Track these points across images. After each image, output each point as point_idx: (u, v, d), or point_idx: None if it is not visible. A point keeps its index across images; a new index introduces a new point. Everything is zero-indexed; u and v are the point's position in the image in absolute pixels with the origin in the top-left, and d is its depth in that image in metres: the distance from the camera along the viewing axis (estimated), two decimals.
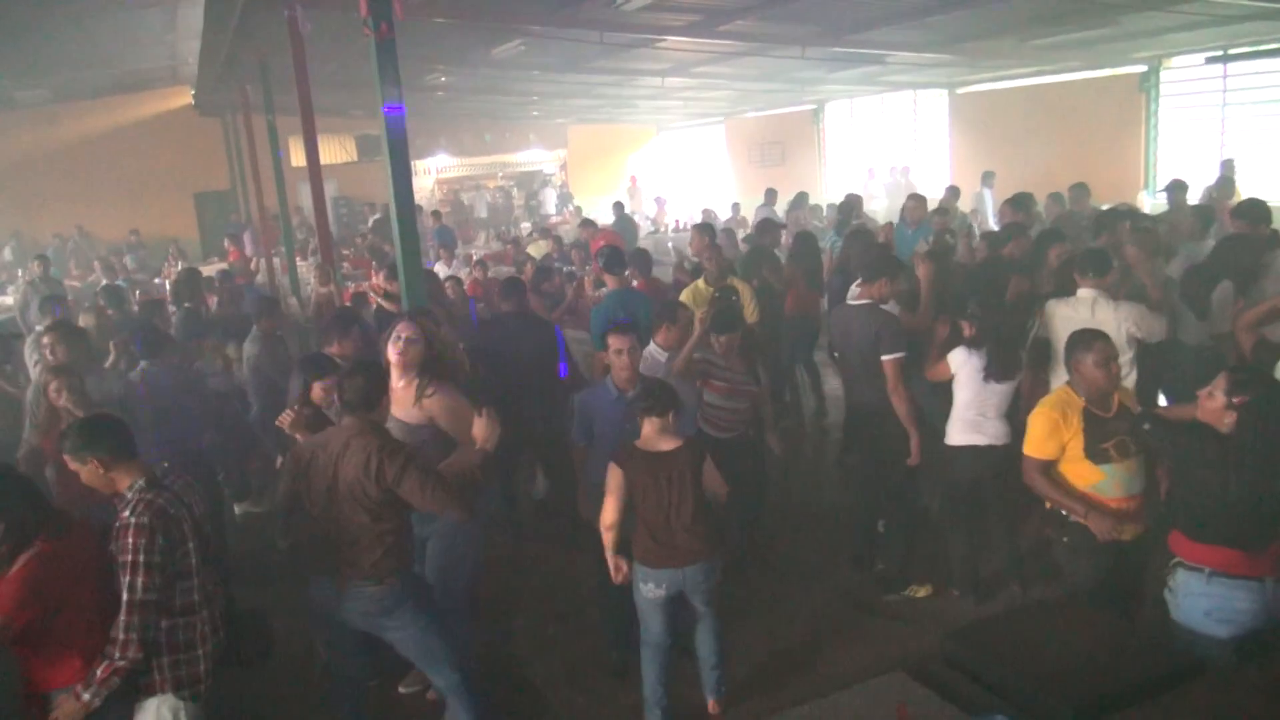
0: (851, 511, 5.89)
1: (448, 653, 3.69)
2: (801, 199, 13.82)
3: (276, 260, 14.85)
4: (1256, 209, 6.40)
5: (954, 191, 12.12)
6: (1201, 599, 3.25)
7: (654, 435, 3.97)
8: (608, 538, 4.03)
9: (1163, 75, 14.11)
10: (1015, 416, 4.84)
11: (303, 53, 9.27)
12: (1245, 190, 10.10)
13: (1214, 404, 3.29)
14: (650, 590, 3.99)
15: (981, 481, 5.01)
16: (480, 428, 3.70)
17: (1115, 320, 4.91)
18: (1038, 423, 3.89)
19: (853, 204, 10.87)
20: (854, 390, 5.50)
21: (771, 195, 15.01)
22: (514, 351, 6.07)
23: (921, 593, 5.28)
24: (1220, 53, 13.06)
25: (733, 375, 5.15)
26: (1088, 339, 3.88)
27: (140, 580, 3.00)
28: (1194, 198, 9.72)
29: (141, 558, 2.99)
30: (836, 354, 5.75)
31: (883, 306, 5.26)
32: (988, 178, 13.68)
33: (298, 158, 14.33)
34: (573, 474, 4.91)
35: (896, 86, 17.93)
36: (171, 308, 8.80)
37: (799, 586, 5.46)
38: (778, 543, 5.97)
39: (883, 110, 19.80)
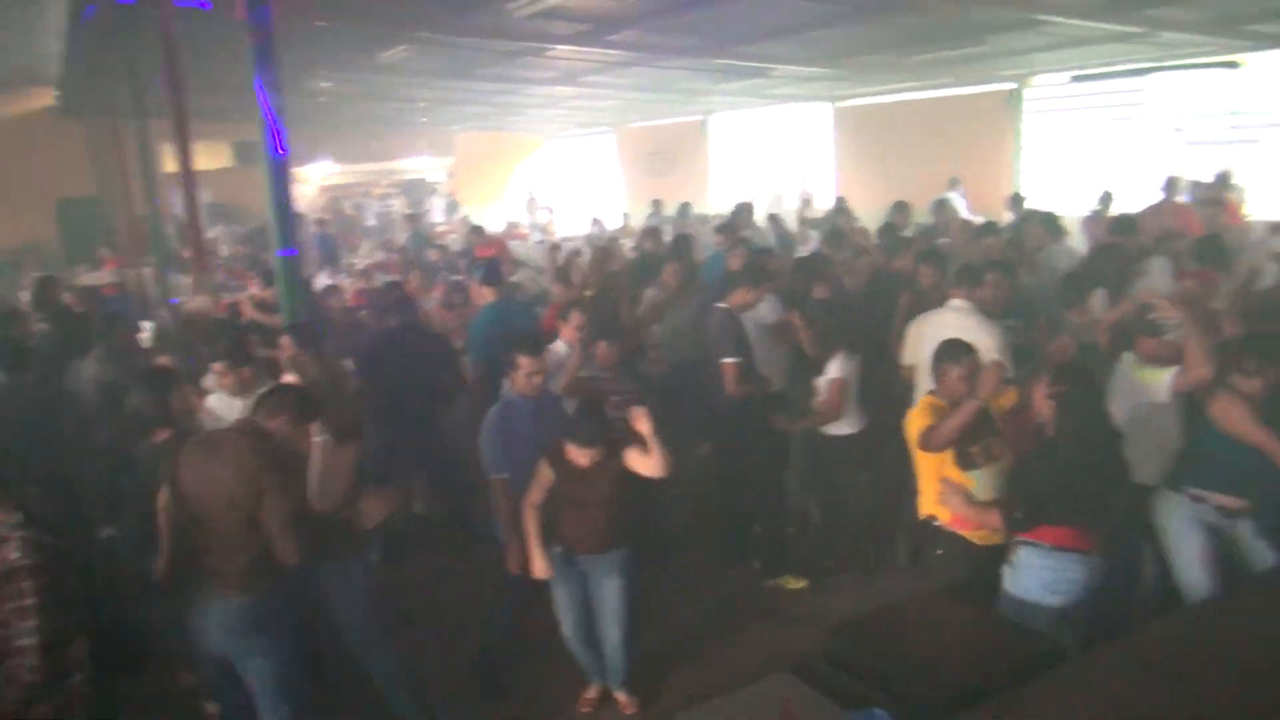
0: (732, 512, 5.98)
1: (295, 701, 3.51)
2: (685, 209, 13.95)
3: (147, 270, 14.20)
4: (1125, 223, 6.90)
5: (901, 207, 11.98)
6: (1040, 570, 3.52)
7: (574, 452, 4.02)
8: (530, 523, 4.13)
9: (1027, 93, 14.85)
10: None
11: (175, 54, 8.92)
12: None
13: (1038, 397, 3.58)
14: (557, 562, 4.15)
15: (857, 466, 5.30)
16: (373, 505, 3.58)
17: (983, 332, 5.09)
18: (913, 418, 4.06)
19: (743, 212, 11.06)
20: (712, 391, 5.61)
21: (658, 206, 15.18)
22: (402, 366, 5.96)
23: (795, 584, 5.43)
24: (1080, 73, 13.82)
25: (619, 386, 5.15)
26: (955, 351, 4.03)
27: (44, 622, 2.82)
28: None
29: (42, 599, 2.81)
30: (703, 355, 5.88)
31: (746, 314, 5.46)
32: (954, 183, 13.79)
33: (170, 163, 13.78)
34: (461, 489, 4.82)
35: (782, 99, 18.35)
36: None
37: (689, 588, 5.51)
38: (669, 545, 6.02)
39: (768, 122, 20.23)
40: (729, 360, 5.28)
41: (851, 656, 3.06)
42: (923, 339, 5.29)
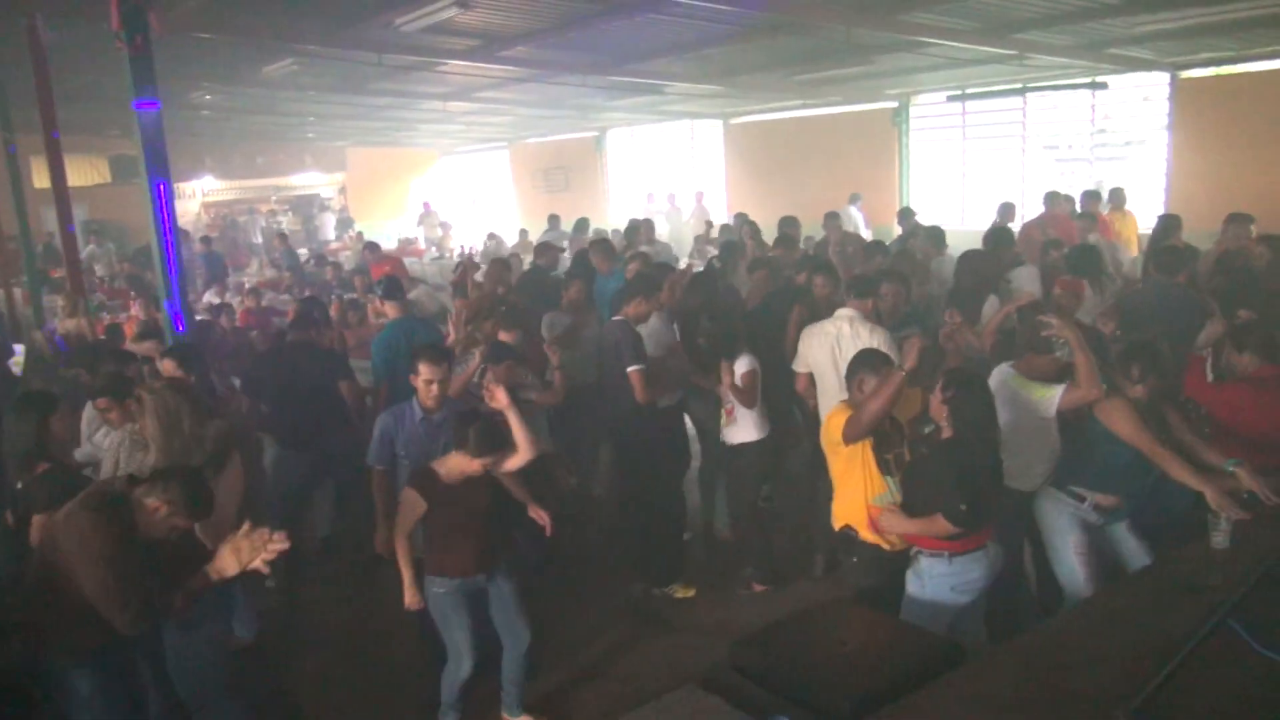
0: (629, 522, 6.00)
1: None
2: (583, 224, 13.92)
3: (18, 291, 13.46)
4: (997, 234, 7.25)
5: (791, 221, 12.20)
6: (947, 578, 3.63)
7: (462, 463, 3.95)
8: (402, 552, 4.05)
9: (911, 111, 15.42)
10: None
11: (45, 65, 8.51)
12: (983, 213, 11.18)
13: (935, 401, 3.71)
14: (445, 598, 4.04)
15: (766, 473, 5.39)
16: (228, 556, 3.23)
17: (872, 341, 5.20)
18: (830, 422, 4.06)
19: (638, 228, 11.13)
20: (610, 401, 5.65)
21: (555, 221, 15.15)
22: (299, 383, 5.81)
23: (684, 593, 5.49)
24: (959, 92, 14.42)
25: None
26: (873, 361, 4.12)
27: None
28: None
29: None
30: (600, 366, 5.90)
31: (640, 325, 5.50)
32: (855, 198, 13.98)
33: (41, 179, 13.13)
34: (365, 511, 4.71)
35: (675, 115, 18.59)
36: None
37: (588, 602, 5.51)
38: (568, 560, 5.99)
39: (662, 138, 20.47)
40: (635, 369, 5.32)
41: (758, 666, 3.10)
42: (814, 348, 5.42)
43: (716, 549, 6.00)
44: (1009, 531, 4.11)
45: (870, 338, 5.15)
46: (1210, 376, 4.83)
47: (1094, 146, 13.79)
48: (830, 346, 5.30)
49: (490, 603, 4.17)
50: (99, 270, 15.61)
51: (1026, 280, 6.55)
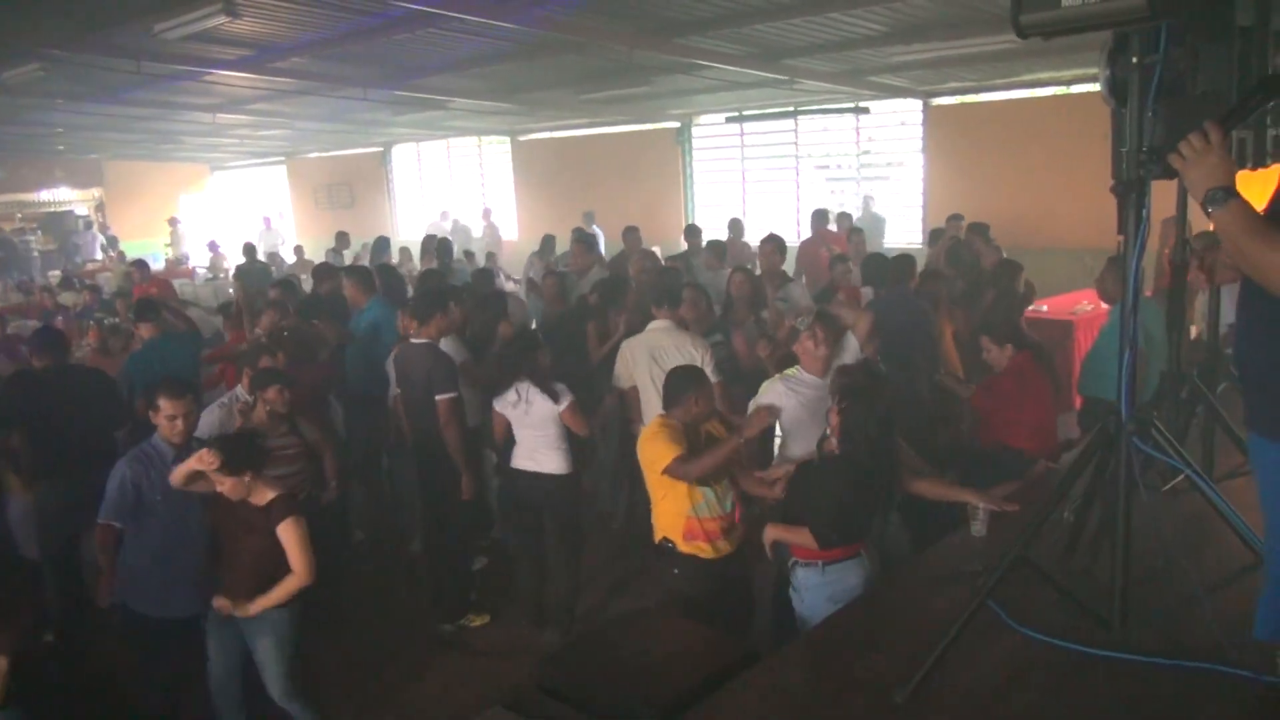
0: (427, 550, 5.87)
1: None
2: (382, 244, 13.39)
3: None
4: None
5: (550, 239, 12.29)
6: (823, 587, 3.59)
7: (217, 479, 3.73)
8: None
9: (694, 131, 15.99)
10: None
11: None
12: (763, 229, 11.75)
13: (832, 415, 3.72)
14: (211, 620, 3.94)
15: (541, 508, 5.16)
16: None
17: (695, 346, 5.39)
18: (659, 436, 4.01)
19: (441, 244, 10.99)
20: (411, 426, 5.48)
21: (343, 239, 14.60)
22: (71, 410, 5.28)
23: (477, 621, 5.40)
24: (737, 114, 15.10)
25: (276, 440, 4.75)
26: (699, 377, 4.20)
27: None
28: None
29: None
30: (395, 388, 5.72)
31: (440, 344, 5.35)
32: (590, 217, 14.17)
33: None
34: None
35: (461, 132, 18.40)
36: None
37: (379, 630, 5.34)
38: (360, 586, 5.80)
39: (450, 154, 20.20)
40: (446, 396, 5.13)
41: (562, 682, 3.10)
42: (638, 359, 5.49)
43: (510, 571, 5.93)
44: None
45: (691, 347, 5.29)
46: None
47: (860, 166, 14.79)
48: (648, 360, 5.40)
49: (251, 643, 3.93)
50: None
51: (797, 297, 6.92)
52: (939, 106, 13.26)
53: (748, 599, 4.31)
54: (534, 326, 7.48)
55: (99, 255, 20.21)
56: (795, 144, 15.12)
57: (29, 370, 5.73)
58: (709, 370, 4.93)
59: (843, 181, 15.09)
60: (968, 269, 7.96)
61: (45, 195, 21.78)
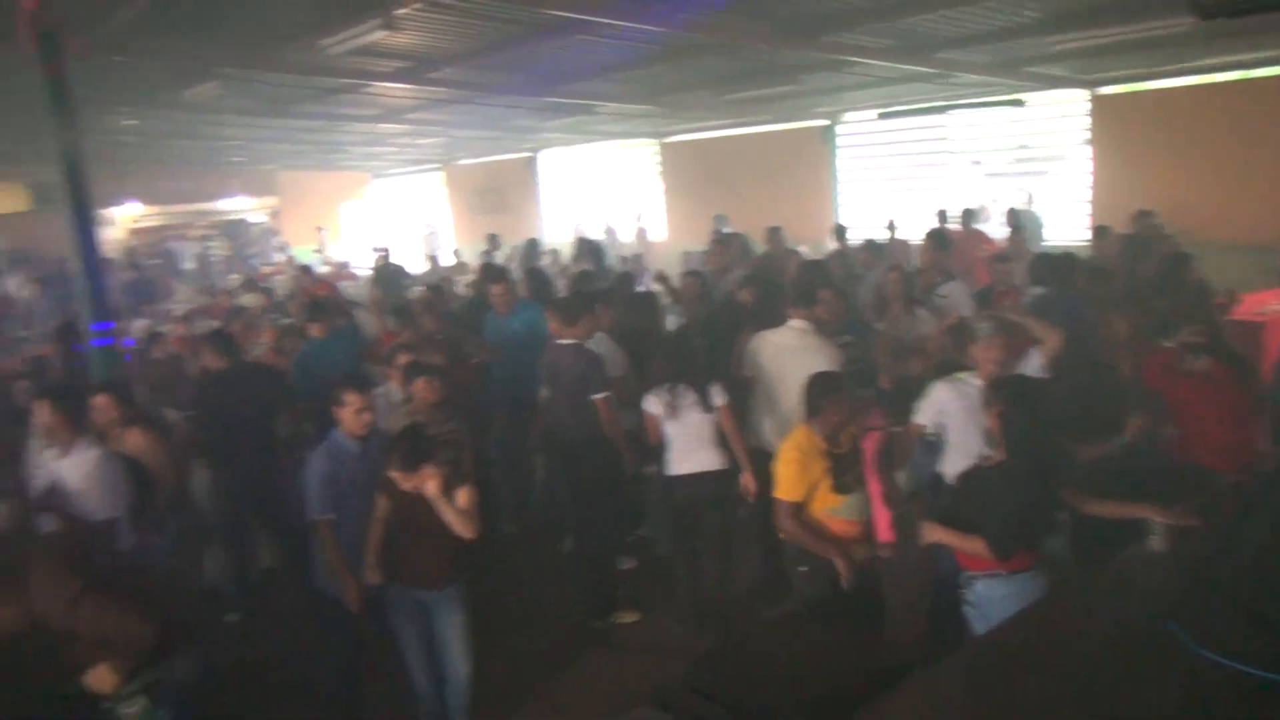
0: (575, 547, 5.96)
1: None
2: (533, 247, 13.75)
3: None
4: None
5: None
6: (1009, 599, 3.44)
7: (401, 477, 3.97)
8: (375, 537, 4.13)
9: (840, 129, 15.68)
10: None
11: None
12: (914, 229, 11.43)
13: (992, 416, 3.62)
14: (397, 605, 4.14)
15: (699, 509, 5.14)
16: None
17: (821, 351, 5.26)
18: (787, 470, 4.02)
19: (593, 247, 11.22)
20: (562, 426, 5.57)
21: (494, 241, 15.04)
22: (236, 406, 5.66)
23: (627, 619, 5.43)
24: (886, 109, 14.72)
25: (436, 428, 4.95)
26: (836, 384, 4.14)
27: None
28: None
29: None
30: (545, 389, 5.82)
31: (588, 344, 5.44)
32: (721, 219, 14.17)
33: None
34: (304, 540, 4.59)
35: (608, 136, 18.65)
36: None
37: (529, 624, 5.46)
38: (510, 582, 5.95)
39: (597, 158, 20.51)
40: (600, 396, 5.23)
41: (712, 684, 3.08)
42: (761, 355, 5.44)
43: (661, 570, 5.97)
44: None
45: (817, 352, 5.18)
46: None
47: (1016, 162, 14.16)
48: (773, 356, 5.34)
49: (436, 627, 4.16)
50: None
51: (960, 296, 6.67)
52: (1105, 96, 12.53)
53: (878, 603, 4.24)
54: (675, 328, 7.52)
55: (275, 259, 21.52)
56: (947, 139, 14.62)
57: (209, 369, 6.17)
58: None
59: (997, 178, 14.49)
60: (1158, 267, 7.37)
61: (224, 204, 23.35)
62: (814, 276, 6.76)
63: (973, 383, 4.39)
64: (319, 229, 22.12)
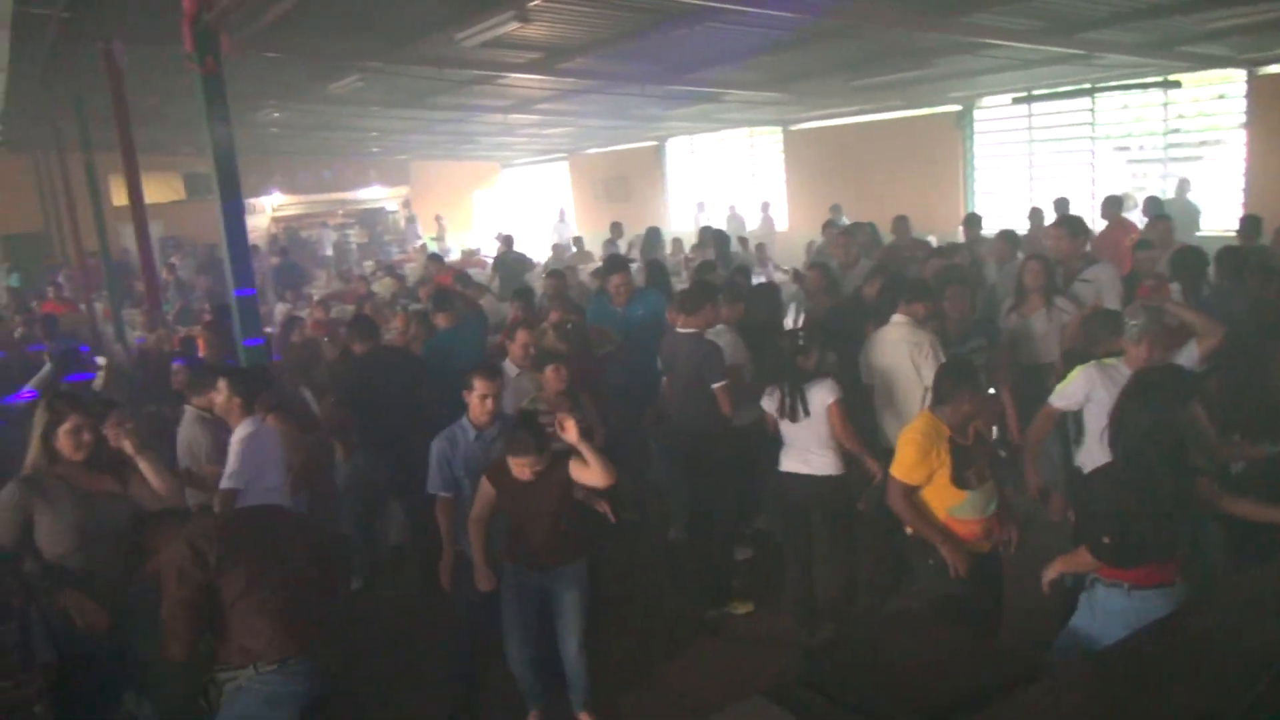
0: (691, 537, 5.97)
1: None
2: (653, 236, 13.77)
3: (99, 305, 13.95)
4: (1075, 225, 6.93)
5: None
6: (1126, 614, 3.25)
7: (520, 466, 4.04)
8: (475, 537, 4.20)
9: (975, 114, 15.15)
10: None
11: (122, 87, 8.84)
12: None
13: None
14: (510, 584, 4.20)
15: (811, 509, 5.04)
16: None
17: (918, 350, 5.14)
18: (907, 449, 3.92)
19: (717, 236, 11.20)
20: (678, 415, 5.58)
21: (617, 229, 15.16)
22: (378, 389, 5.91)
23: (742, 609, 5.39)
24: (1025, 94, 14.14)
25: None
26: (968, 373, 4.01)
27: None
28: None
29: None
30: (664, 378, 5.82)
31: (708, 334, 5.41)
32: (837, 210, 13.97)
33: (119, 196, 13.60)
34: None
35: (733, 123, 18.55)
36: None
37: (642, 610, 5.51)
38: (628, 569, 6.01)
39: (722, 146, 20.44)
40: (719, 385, 5.24)
41: (827, 678, 3.05)
42: (871, 353, 5.41)
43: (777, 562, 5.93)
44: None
45: (917, 349, 5.11)
46: None
47: (1167, 147, 13.40)
48: (879, 352, 5.31)
49: (555, 603, 4.25)
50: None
51: (1107, 280, 6.34)
52: (1267, 76, 11.72)
53: (999, 600, 4.10)
54: (798, 320, 7.43)
55: (419, 245, 22.29)
56: (1091, 124, 13.95)
57: (350, 353, 6.44)
58: (927, 375, 4.85)
59: (1146, 164, 13.74)
60: None
61: (362, 194, 24.31)
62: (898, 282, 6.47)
63: (1124, 370, 4.18)
64: (437, 217, 22.79)
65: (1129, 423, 3.31)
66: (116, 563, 3.57)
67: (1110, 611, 3.30)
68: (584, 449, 3.99)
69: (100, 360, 8.93)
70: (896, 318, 5.34)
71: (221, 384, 4.78)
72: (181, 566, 2.99)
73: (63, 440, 3.69)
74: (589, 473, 4.02)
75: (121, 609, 3.58)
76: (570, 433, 3.99)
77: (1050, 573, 3.49)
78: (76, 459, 3.71)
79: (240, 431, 4.61)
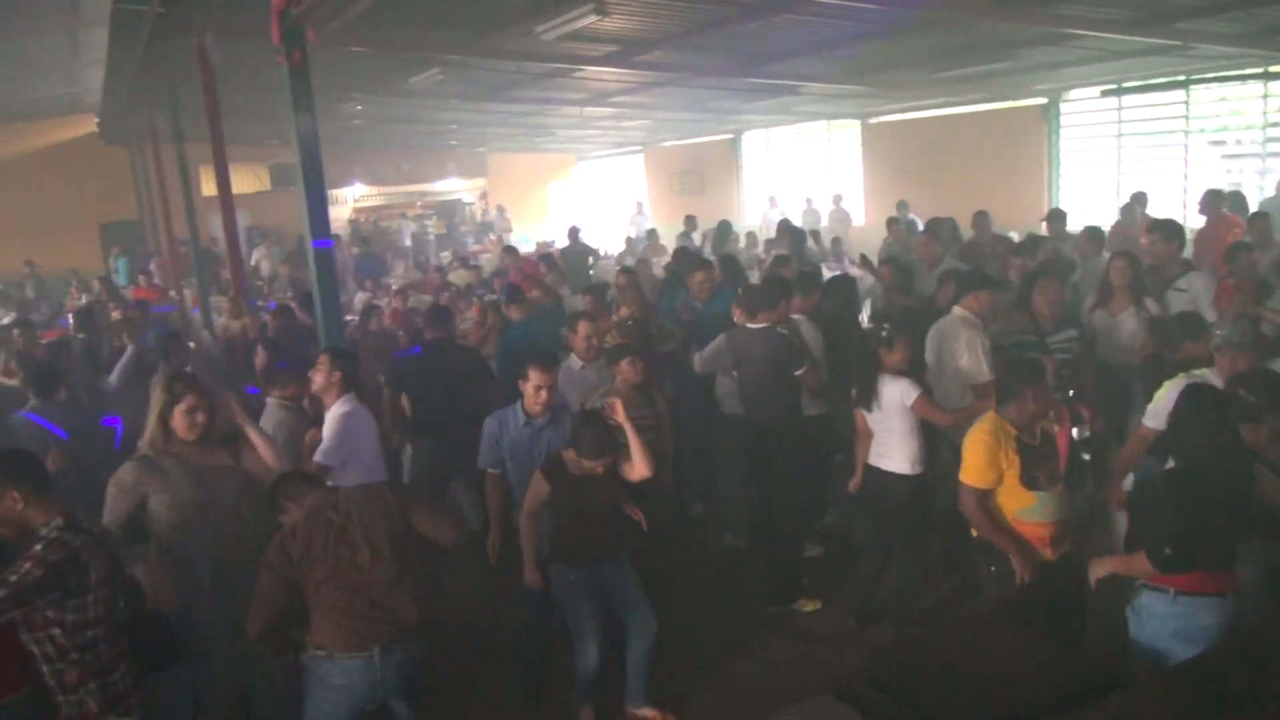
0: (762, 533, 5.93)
1: None
2: (724, 229, 13.71)
3: (188, 292, 14.43)
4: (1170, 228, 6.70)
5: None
6: (1168, 620, 3.22)
7: (576, 461, 4.07)
8: (527, 533, 4.21)
9: (1062, 107, 14.72)
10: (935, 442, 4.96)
11: (213, 80, 9.09)
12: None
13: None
14: (569, 583, 4.18)
15: (882, 504, 4.99)
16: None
17: (965, 345, 5.07)
18: (976, 451, 3.83)
19: (793, 230, 11.08)
20: (752, 410, 5.54)
21: (691, 222, 15.11)
22: (444, 379, 6.02)
23: (809, 607, 5.34)
24: (1114, 86, 13.69)
25: (634, 411, 4.86)
26: (1036, 372, 3.93)
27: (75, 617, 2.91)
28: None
29: (16, 581, 2.81)
30: (736, 374, 5.78)
31: (780, 329, 5.36)
32: (903, 206, 13.84)
33: (209, 187, 14.03)
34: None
35: (811, 116, 18.33)
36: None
37: (709, 604, 5.49)
38: (693, 564, 6.00)
39: (798, 139, 20.22)
40: (800, 370, 5.23)
41: (896, 681, 3.01)
42: (931, 342, 5.34)
43: (846, 560, 5.86)
44: None
45: (965, 344, 5.04)
46: None
47: (1266, 141, 12.84)
48: (936, 345, 5.25)
49: (614, 592, 4.25)
50: (265, 271, 16.57)
51: (1201, 289, 6.12)
52: None
53: (1079, 612, 3.95)
54: (869, 313, 7.35)
55: (503, 237, 22.54)
56: (1185, 118, 13.45)
57: (427, 343, 6.56)
58: (965, 366, 4.92)
59: (1244, 159, 13.18)
60: None
61: (439, 185, 24.68)
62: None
63: (1214, 380, 4.04)
64: (499, 208, 23.00)
65: (1184, 429, 3.26)
66: (230, 531, 3.81)
67: (1156, 616, 3.26)
68: (629, 432, 4.02)
69: (190, 345, 9.24)
70: (956, 309, 5.27)
71: (323, 359, 4.88)
72: (269, 560, 3.25)
73: (178, 419, 3.88)
74: (630, 464, 4.06)
75: (206, 586, 3.74)
76: (617, 412, 4.03)
77: (1100, 570, 3.44)
78: (190, 438, 3.90)
79: (338, 409, 4.72)
